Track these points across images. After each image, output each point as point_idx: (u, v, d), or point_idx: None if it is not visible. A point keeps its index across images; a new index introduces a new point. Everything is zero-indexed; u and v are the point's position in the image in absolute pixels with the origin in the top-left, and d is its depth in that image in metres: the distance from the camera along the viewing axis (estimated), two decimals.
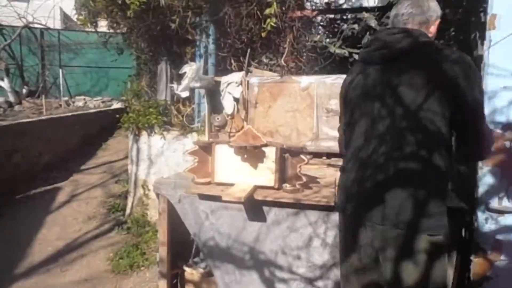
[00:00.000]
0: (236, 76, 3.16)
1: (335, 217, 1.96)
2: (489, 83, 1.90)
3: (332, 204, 1.99)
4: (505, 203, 1.89)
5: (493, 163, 1.90)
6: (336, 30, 3.15)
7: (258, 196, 2.16)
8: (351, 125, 1.61)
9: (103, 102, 9.10)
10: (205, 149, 2.35)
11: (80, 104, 8.90)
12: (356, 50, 2.93)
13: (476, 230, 1.94)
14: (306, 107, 2.93)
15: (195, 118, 3.73)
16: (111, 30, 4.47)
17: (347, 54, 3.01)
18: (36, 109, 7.66)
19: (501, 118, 1.88)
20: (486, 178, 1.91)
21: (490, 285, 1.92)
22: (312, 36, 3.17)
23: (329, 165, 2.81)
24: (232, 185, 2.24)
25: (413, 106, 1.39)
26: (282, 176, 2.24)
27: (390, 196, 1.39)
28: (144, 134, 3.98)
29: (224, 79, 3.20)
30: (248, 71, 3.19)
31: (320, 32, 3.28)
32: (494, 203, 1.89)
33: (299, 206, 2.12)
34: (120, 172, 5.56)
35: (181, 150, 3.63)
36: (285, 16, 3.06)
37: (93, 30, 4.42)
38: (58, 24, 10.72)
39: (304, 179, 2.17)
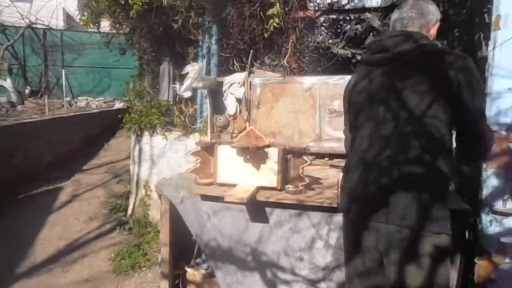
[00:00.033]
0: (239, 77, 3.15)
1: (338, 218, 1.95)
2: (494, 84, 1.89)
3: (335, 205, 1.97)
4: (510, 205, 1.87)
5: (498, 165, 1.88)
6: (339, 30, 3.13)
7: (261, 197, 2.15)
8: (355, 128, 1.62)
9: (105, 102, 9.11)
10: (208, 150, 2.34)
11: (83, 104, 8.90)
12: (359, 51, 2.92)
13: (480, 232, 1.92)
14: (309, 108, 2.92)
15: (197, 119, 3.72)
16: (114, 31, 4.47)
17: (350, 55, 3.00)
18: (38, 109, 7.66)
19: (506, 120, 1.87)
20: (490, 180, 1.89)
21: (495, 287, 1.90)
22: (315, 37, 3.16)
23: (331, 166, 2.80)
24: (234, 186, 2.23)
25: (417, 111, 1.41)
26: (285, 177, 2.22)
27: (394, 199, 1.39)
28: (146, 134, 3.98)
29: (227, 80, 3.19)
30: (250, 72, 3.18)
31: (323, 32, 3.26)
32: (499, 205, 1.88)
33: (301, 207, 2.11)
34: (122, 172, 5.56)
35: (183, 151, 3.63)
36: (288, 17, 3.05)
37: (96, 30, 4.42)
38: (61, 25, 10.73)
39: (307, 180, 2.16)
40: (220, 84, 3.23)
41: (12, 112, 7.49)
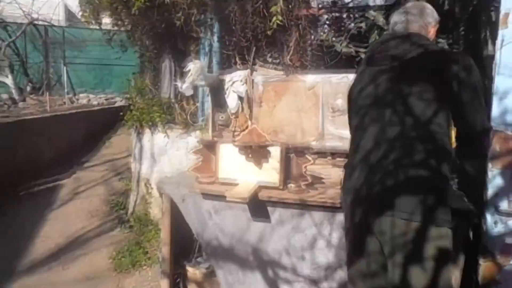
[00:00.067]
0: (241, 74, 3.12)
1: (340, 217, 1.93)
2: (500, 83, 1.85)
3: (338, 204, 1.96)
4: None
5: (503, 165, 1.85)
6: (342, 28, 3.10)
7: (263, 196, 2.14)
8: (360, 129, 1.63)
9: (106, 99, 9.10)
10: (209, 148, 2.33)
11: (84, 101, 8.89)
12: (362, 49, 2.89)
13: (484, 233, 1.90)
14: (312, 106, 2.90)
15: (199, 116, 3.70)
16: (115, 27, 4.44)
17: (353, 53, 2.97)
18: (40, 106, 7.65)
19: None
20: (495, 180, 1.86)
21: None
22: (318, 35, 3.13)
23: (334, 165, 2.78)
24: (236, 184, 2.21)
25: (423, 117, 1.45)
26: (287, 175, 2.21)
27: (399, 203, 1.41)
28: (147, 132, 3.96)
29: (229, 77, 3.16)
30: (253, 69, 3.16)
31: (326, 30, 3.23)
32: (504, 205, 1.85)
33: (304, 207, 2.09)
34: (123, 169, 5.55)
35: (185, 148, 3.60)
36: (291, 14, 3.02)
37: (97, 27, 4.39)
38: (62, 21, 10.72)
39: (310, 179, 2.14)
40: (222, 81, 3.21)
41: (14, 109, 7.49)
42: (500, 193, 1.85)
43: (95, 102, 8.90)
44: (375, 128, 1.53)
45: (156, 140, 3.89)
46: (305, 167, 2.17)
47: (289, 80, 2.98)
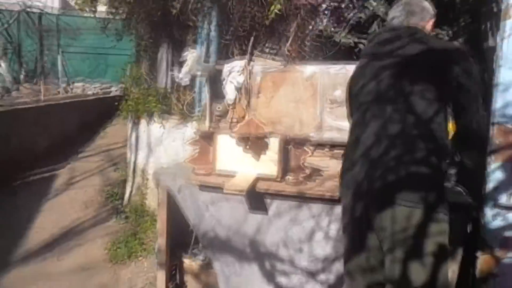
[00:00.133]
0: (238, 64, 3.08)
1: (339, 210, 1.92)
2: (502, 75, 1.82)
3: (336, 197, 1.94)
4: None
5: (503, 159, 1.84)
6: (342, 18, 3.05)
7: (260, 187, 2.12)
8: (361, 124, 1.63)
9: (101, 88, 8.99)
10: (206, 139, 2.30)
11: (79, 90, 8.78)
12: (362, 40, 2.85)
13: (483, 226, 1.89)
14: (310, 97, 2.87)
15: (196, 107, 3.65)
16: (110, 15, 4.36)
17: (353, 44, 2.93)
18: (34, 95, 7.54)
19: None
20: (495, 174, 1.85)
21: (496, 282, 1.87)
22: (317, 24, 3.08)
23: (332, 156, 2.76)
24: (233, 176, 2.19)
25: (424, 116, 1.48)
26: (285, 167, 2.19)
27: (400, 199, 1.42)
28: (143, 122, 3.91)
29: (226, 67, 3.12)
30: (250, 59, 3.11)
31: (325, 20, 3.18)
32: (503, 199, 1.84)
33: (302, 199, 2.07)
34: (118, 160, 5.50)
35: (181, 139, 3.56)
36: (290, 3, 2.97)
37: (92, 15, 4.30)
38: (56, 7, 10.52)
39: (308, 171, 2.12)
40: (219, 71, 3.16)
41: (7, 98, 7.37)
42: (500, 187, 1.83)
43: (90, 92, 8.77)
44: (376, 123, 1.54)
45: (152, 131, 3.85)
46: (304, 159, 2.15)
47: (287, 70, 2.94)
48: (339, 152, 2.71)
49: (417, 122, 1.48)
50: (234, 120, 3.09)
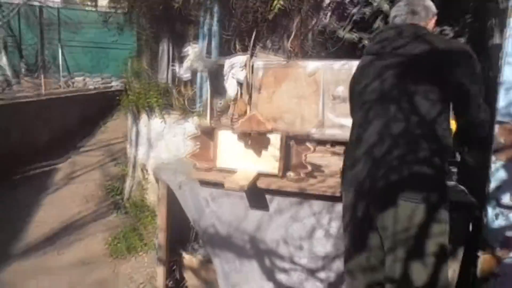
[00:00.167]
0: (240, 59, 3.05)
1: (339, 208, 1.90)
2: (507, 73, 1.81)
3: (338, 195, 1.93)
4: None
5: (507, 158, 1.82)
6: (345, 14, 3.03)
7: (261, 184, 2.10)
8: (364, 123, 1.62)
9: (103, 82, 8.97)
10: (208, 135, 2.28)
11: (80, 84, 8.77)
12: (366, 35, 2.82)
13: (485, 226, 1.88)
14: (312, 93, 2.84)
15: (197, 102, 3.63)
16: (112, 9, 4.33)
17: (356, 39, 2.91)
18: (35, 89, 7.53)
19: None
20: (498, 173, 1.84)
21: (497, 282, 1.87)
22: (320, 20, 3.06)
23: (334, 153, 2.74)
24: (234, 172, 2.17)
25: (428, 116, 1.48)
26: (287, 164, 2.17)
27: (403, 198, 1.42)
28: (144, 116, 3.90)
29: (228, 62, 3.10)
30: (252, 54, 3.09)
31: (328, 15, 3.15)
32: (506, 199, 1.83)
33: (303, 196, 2.06)
34: (119, 154, 5.50)
35: (182, 134, 3.54)
36: None
37: (93, 9, 4.28)
38: (57, 2, 10.47)
39: (309, 167, 2.11)
40: (221, 66, 3.14)
41: (8, 91, 7.36)
42: (503, 186, 1.82)
43: (91, 86, 8.77)
44: (380, 122, 1.54)
45: (153, 125, 3.83)
46: (305, 155, 2.13)
47: (290, 66, 2.92)
48: (341, 148, 2.69)
49: (420, 122, 1.47)
50: (236, 116, 3.07)
